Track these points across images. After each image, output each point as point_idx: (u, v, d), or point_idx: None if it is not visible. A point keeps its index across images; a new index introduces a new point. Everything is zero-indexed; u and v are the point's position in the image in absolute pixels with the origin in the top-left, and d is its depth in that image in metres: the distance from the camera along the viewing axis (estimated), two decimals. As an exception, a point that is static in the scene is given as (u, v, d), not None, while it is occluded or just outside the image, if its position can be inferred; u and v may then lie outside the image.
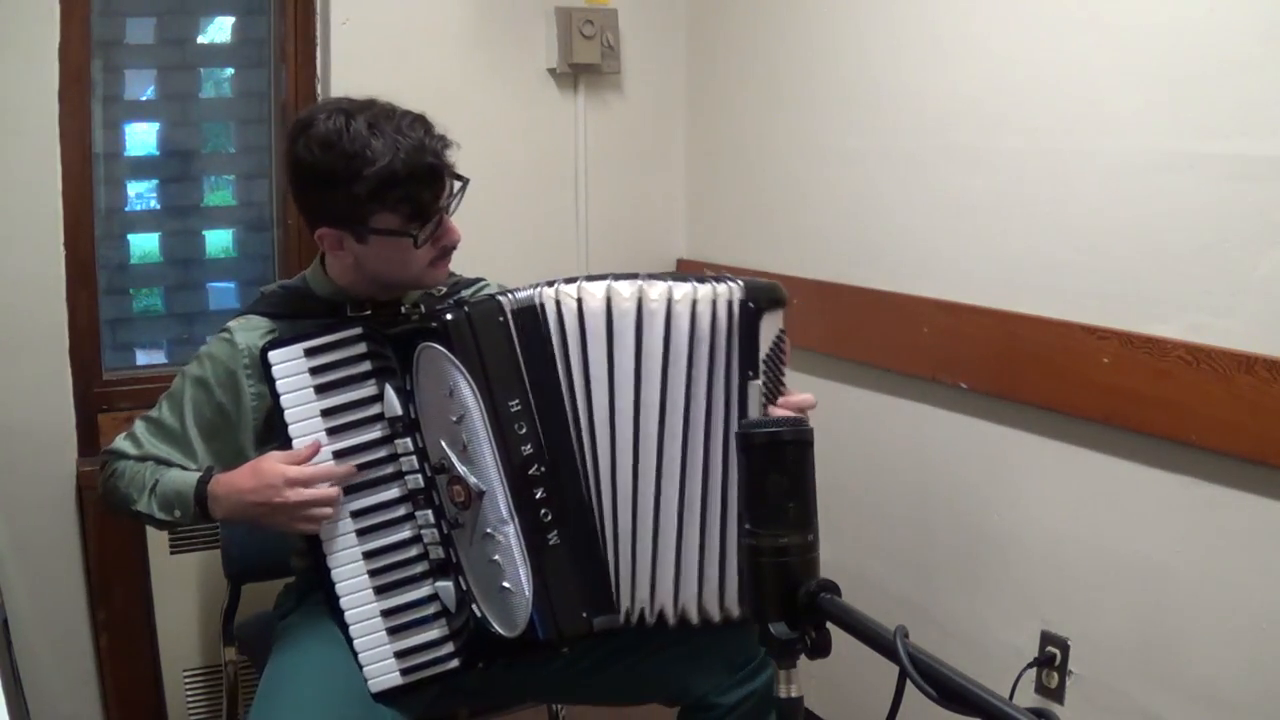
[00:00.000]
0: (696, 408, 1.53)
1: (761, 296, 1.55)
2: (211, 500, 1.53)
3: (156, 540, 2.19)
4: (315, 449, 1.51)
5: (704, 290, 1.53)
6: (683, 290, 1.53)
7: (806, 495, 1.02)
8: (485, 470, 1.49)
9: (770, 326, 1.56)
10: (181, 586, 2.23)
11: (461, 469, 1.48)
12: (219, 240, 2.50)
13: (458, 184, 1.57)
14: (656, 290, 1.52)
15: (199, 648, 2.26)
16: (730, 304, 1.53)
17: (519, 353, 1.52)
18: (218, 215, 2.50)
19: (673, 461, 1.54)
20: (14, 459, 2.14)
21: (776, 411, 1.54)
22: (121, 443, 1.63)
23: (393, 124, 1.51)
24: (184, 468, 1.59)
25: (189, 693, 2.27)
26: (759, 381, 1.54)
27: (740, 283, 1.55)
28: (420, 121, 1.53)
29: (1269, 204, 1.48)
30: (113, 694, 2.26)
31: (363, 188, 1.48)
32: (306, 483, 1.48)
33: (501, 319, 1.51)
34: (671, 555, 1.55)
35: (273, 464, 1.49)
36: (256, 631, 1.93)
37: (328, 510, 1.50)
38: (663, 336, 1.52)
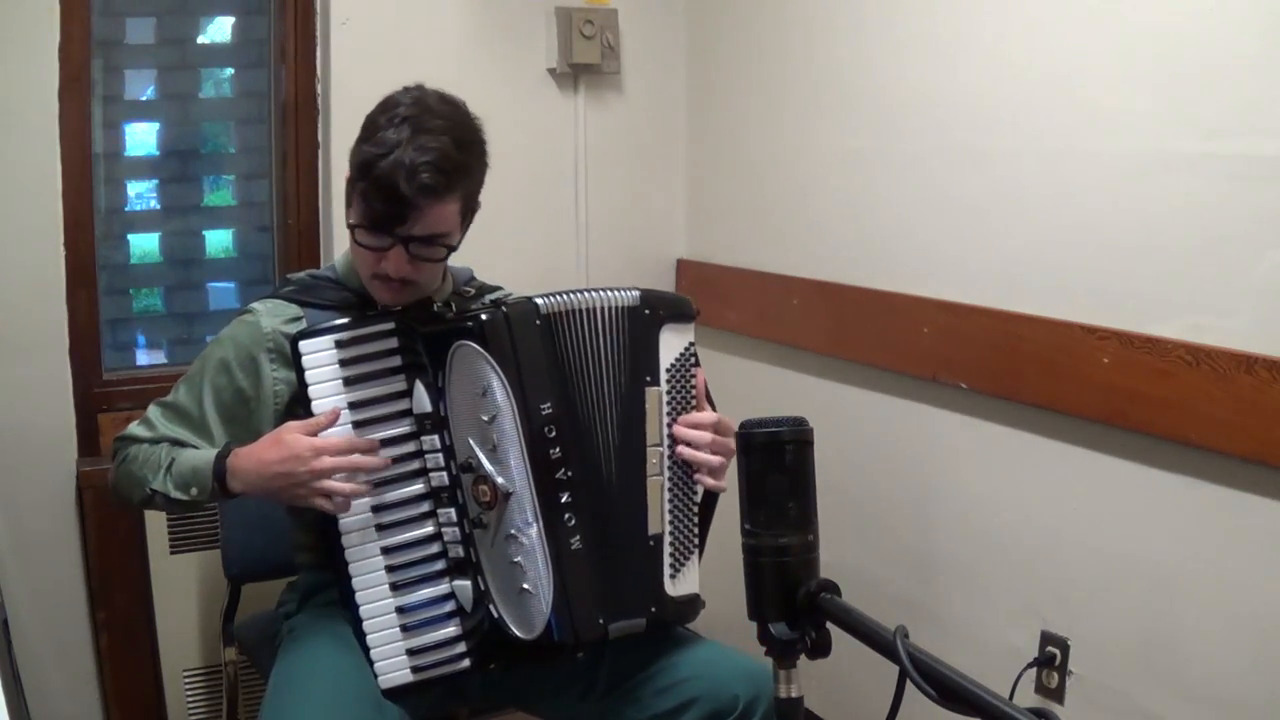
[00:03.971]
0: (606, 416, 1.57)
1: (659, 306, 1.60)
2: (231, 474, 1.50)
3: (156, 540, 2.19)
4: (335, 415, 1.49)
5: (600, 297, 1.57)
6: (587, 299, 1.57)
7: (806, 495, 1.02)
8: (513, 471, 1.49)
9: (675, 339, 1.60)
10: (181, 586, 2.23)
11: (489, 469, 1.49)
12: (219, 240, 2.50)
13: (421, 242, 1.50)
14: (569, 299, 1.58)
15: (199, 648, 2.26)
16: (623, 310, 1.57)
17: (551, 356, 1.53)
18: (218, 215, 2.50)
19: (620, 468, 1.57)
20: (14, 459, 2.14)
21: (680, 429, 1.58)
22: (135, 428, 1.62)
23: (421, 128, 1.46)
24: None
25: (189, 693, 2.27)
26: (659, 390, 1.58)
27: (639, 291, 1.59)
28: (444, 154, 1.45)
29: (1269, 204, 1.48)
30: (113, 694, 2.26)
31: (357, 158, 1.49)
32: (333, 451, 1.46)
33: (538, 321, 1.52)
34: (653, 554, 1.57)
35: (295, 434, 1.47)
36: (256, 631, 1.93)
37: (350, 488, 1.48)
38: (581, 345, 1.57)
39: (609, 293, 1.58)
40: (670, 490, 1.58)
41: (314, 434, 1.48)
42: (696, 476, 1.59)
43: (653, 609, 1.56)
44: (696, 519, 1.61)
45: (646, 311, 1.59)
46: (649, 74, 2.66)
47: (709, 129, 2.65)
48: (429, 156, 1.44)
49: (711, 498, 1.64)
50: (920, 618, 2.08)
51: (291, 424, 1.50)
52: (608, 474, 1.57)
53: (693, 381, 1.61)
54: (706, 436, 1.58)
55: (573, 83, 2.58)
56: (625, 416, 1.57)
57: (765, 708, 1.53)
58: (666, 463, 1.58)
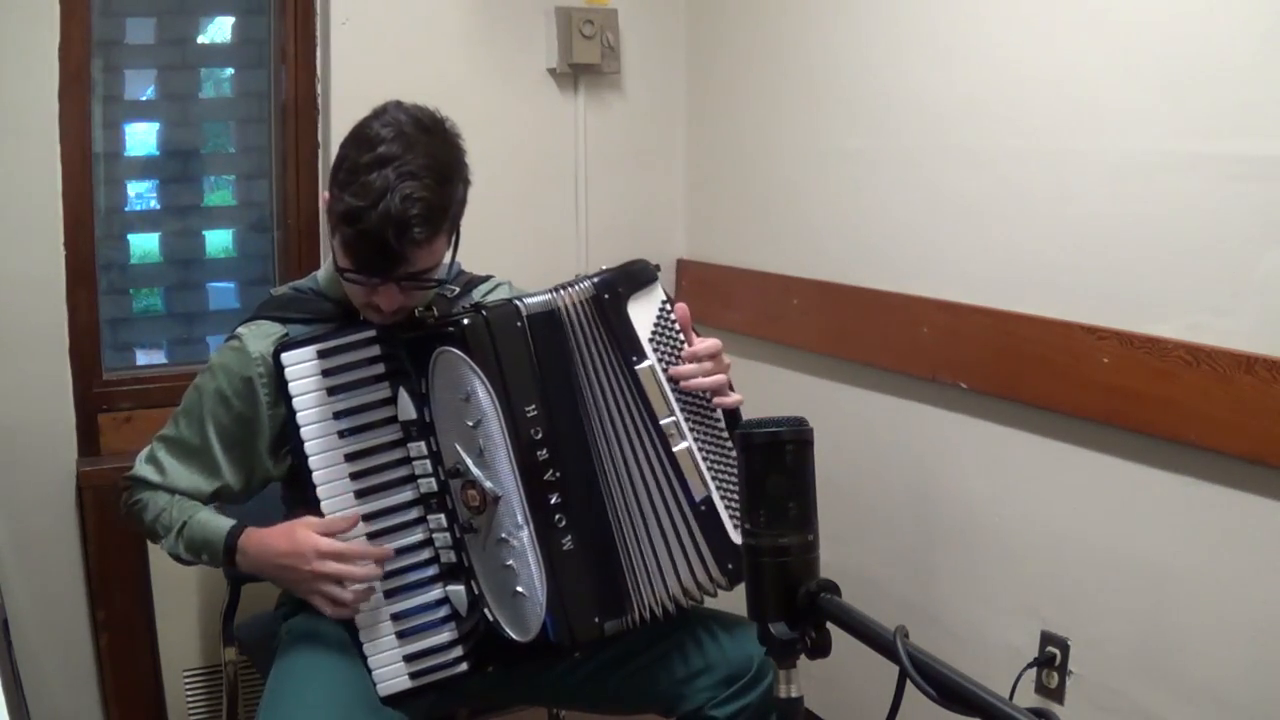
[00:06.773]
0: (613, 404, 1.56)
1: (619, 283, 1.58)
2: (240, 554, 1.53)
3: (156, 540, 2.19)
4: (354, 521, 1.50)
5: (560, 295, 1.56)
6: (548, 297, 1.56)
7: (806, 495, 1.02)
8: (501, 475, 1.49)
9: (645, 307, 1.58)
10: (181, 586, 2.23)
11: (477, 473, 1.49)
12: (219, 240, 2.50)
13: (412, 278, 1.49)
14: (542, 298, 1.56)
15: (199, 648, 2.26)
16: (583, 303, 1.56)
17: (535, 357, 1.53)
18: (218, 215, 2.50)
19: (624, 459, 1.56)
20: (14, 459, 2.14)
21: (683, 369, 1.56)
22: (143, 468, 1.62)
23: (405, 172, 1.42)
24: (209, 492, 1.60)
25: (189, 693, 2.27)
26: (649, 363, 1.57)
27: (594, 278, 1.58)
28: (429, 202, 1.42)
29: (1269, 204, 1.48)
30: (113, 694, 2.26)
31: (339, 205, 1.45)
32: (339, 557, 1.48)
33: (519, 323, 1.52)
34: (661, 550, 1.56)
35: (307, 532, 1.48)
36: (256, 632, 1.93)
37: (350, 596, 1.49)
38: (565, 343, 1.56)
39: (567, 289, 1.57)
40: (702, 451, 1.57)
41: (328, 534, 1.49)
42: (715, 401, 1.58)
43: (730, 565, 1.54)
44: (733, 458, 1.59)
45: (606, 296, 1.57)
46: (649, 74, 2.65)
47: (709, 129, 2.65)
48: (416, 209, 1.41)
49: (735, 418, 1.62)
50: (920, 618, 2.08)
51: (309, 519, 1.51)
52: (617, 467, 1.56)
53: (677, 336, 1.60)
54: (705, 365, 1.58)
55: (573, 83, 2.58)
56: (631, 402, 1.56)
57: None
58: (685, 427, 1.57)
